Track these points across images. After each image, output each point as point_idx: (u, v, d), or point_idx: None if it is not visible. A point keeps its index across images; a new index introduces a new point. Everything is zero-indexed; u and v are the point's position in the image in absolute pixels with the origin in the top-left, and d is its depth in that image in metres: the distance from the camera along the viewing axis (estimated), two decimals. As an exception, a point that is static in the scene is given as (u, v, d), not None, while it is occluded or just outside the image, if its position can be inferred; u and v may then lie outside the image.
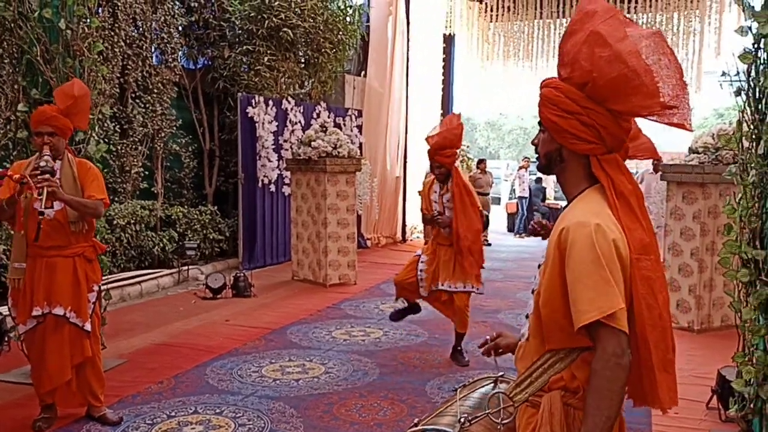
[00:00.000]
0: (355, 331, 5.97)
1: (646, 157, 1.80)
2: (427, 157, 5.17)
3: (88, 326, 3.65)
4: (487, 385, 2.04)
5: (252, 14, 9.33)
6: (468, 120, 44.19)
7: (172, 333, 5.75)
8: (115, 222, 7.39)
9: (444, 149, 4.88)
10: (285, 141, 9.48)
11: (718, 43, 11.15)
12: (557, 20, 12.99)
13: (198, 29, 9.49)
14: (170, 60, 8.72)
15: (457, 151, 5.07)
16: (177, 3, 8.93)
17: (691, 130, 1.66)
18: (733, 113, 3.31)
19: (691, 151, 6.11)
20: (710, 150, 5.92)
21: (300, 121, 9.69)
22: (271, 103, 9.21)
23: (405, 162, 12.44)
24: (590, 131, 1.63)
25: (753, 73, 3.11)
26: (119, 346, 5.27)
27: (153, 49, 8.54)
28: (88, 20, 4.58)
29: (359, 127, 10.96)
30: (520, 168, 15.48)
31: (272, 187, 9.37)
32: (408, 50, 12.08)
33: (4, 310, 4.72)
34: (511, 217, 15.53)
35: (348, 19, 10.53)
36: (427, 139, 5.02)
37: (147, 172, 8.40)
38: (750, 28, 3.08)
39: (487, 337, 2.06)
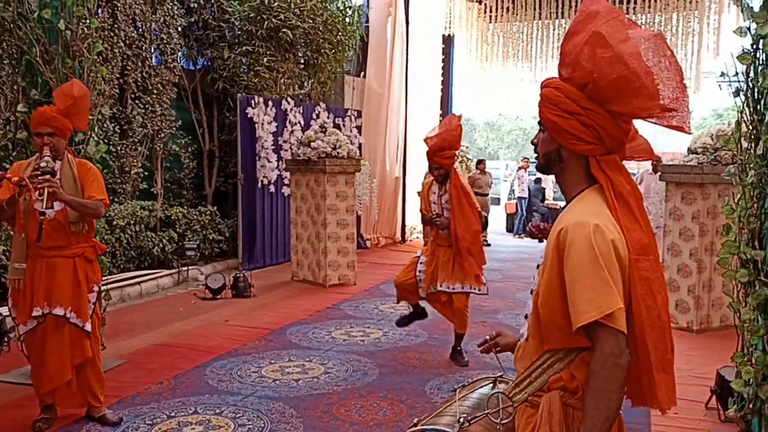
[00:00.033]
0: (354, 331, 5.97)
1: (642, 159, 1.80)
2: (426, 157, 5.18)
3: (88, 326, 3.66)
4: (486, 385, 2.05)
5: (251, 15, 9.34)
6: (467, 120, 44.21)
7: (171, 333, 5.75)
8: (114, 222, 7.40)
9: (443, 150, 4.89)
10: (284, 141, 9.49)
11: (717, 43, 11.16)
12: (556, 21, 13.00)
13: (197, 30, 9.49)
14: (170, 61, 8.73)
15: (456, 152, 5.07)
16: (176, 4, 8.94)
17: (690, 133, 1.67)
18: (732, 114, 3.32)
19: (690, 151, 6.12)
20: (709, 150, 5.93)
21: (299, 122, 9.70)
22: (270, 103, 9.22)
23: (404, 162, 12.45)
24: (590, 132, 1.64)
25: (752, 74, 3.12)
26: (119, 346, 5.27)
27: (152, 50, 8.55)
28: (88, 21, 4.58)
29: (358, 128, 10.96)
30: (519, 168, 15.49)
31: (272, 188, 9.37)
32: (407, 51, 12.09)
33: (4, 310, 4.72)
34: (510, 217, 15.55)
35: (347, 19, 10.53)
36: (425, 141, 5.02)
37: (146, 173, 8.40)
38: (749, 28, 3.09)
39: (487, 336, 2.07)
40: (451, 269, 4.95)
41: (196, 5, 9.34)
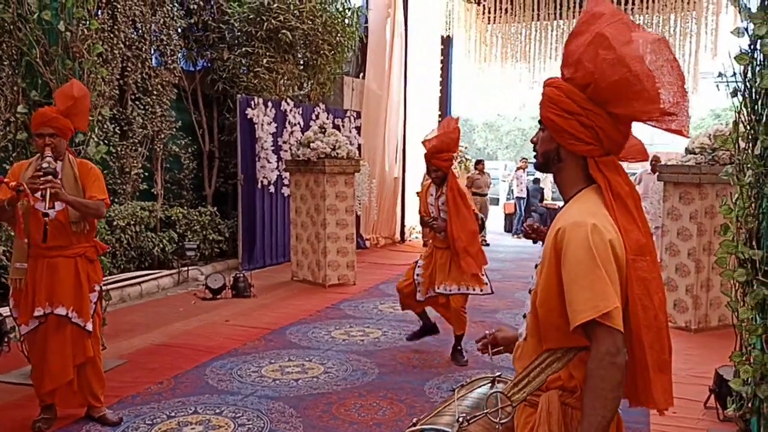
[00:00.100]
0: (354, 331, 5.98)
1: (636, 160, 1.81)
2: (424, 160, 5.19)
3: (90, 326, 3.67)
4: (484, 385, 2.06)
5: (251, 16, 9.35)
6: (466, 121, 44.22)
7: (171, 333, 5.76)
8: (115, 223, 7.40)
9: (441, 153, 4.90)
10: (284, 142, 9.50)
11: (715, 44, 11.18)
12: (554, 22, 13.01)
13: (197, 31, 9.50)
14: (170, 62, 8.74)
15: (454, 155, 5.08)
16: (176, 5, 8.94)
17: (688, 137, 1.68)
18: (730, 114, 3.33)
19: (688, 151, 6.13)
20: (707, 150, 5.94)
21: (299, 123, 9.71)
22: (270, 104, 9.23)
23: (404, 163, 12.46)
24: (589, 133, 1.64)
25: (749, 74, 3.13)
26: (119, 346, 5.28)
27: (152, 51, 8.55)
28: (88, 22, 4.59)
29: (358, 129, 10.97)
30: (518, 169, 15.50)
31: (271, 188, 9.38)
32: (406, 52, 12.10)
33: (4, 311, 4.73)
34: (508, 217, 15.58)
35: (346, 21, 10.54)
36: (424, 143, 5.03)
37: (147, 174, 8.41)
38: (746, 29, 3.11)
39: (486, 332, 2.08)
40: (447, 271, 4.96)
41: (195, 7, 9.34)
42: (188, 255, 8.11)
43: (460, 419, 1.80)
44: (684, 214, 6.01)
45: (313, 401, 4.21)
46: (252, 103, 8.98)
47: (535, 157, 1.81)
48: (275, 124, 9.31)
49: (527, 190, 14.87)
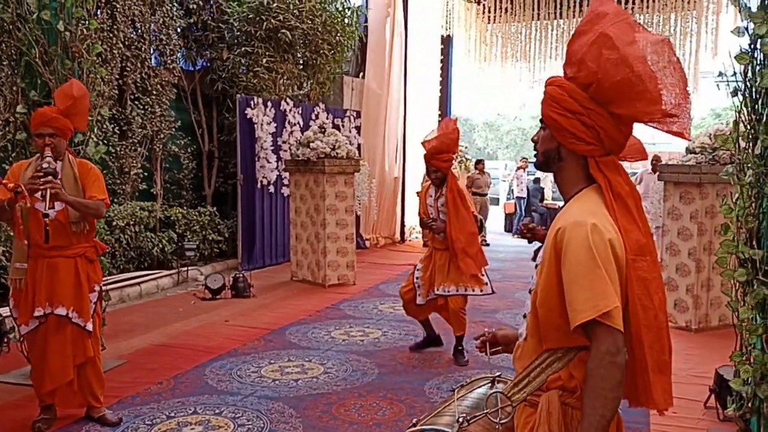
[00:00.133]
0: (353, 331, 5.98)
1: (635, 159, 1.81)
2: (423, 161, 5.18)
3: (90, 326, 3.67)
4: (484, 385, 2.06)
5: (250, 16, 9.34)
6: (466, 121, 44.24)
7: (171, 334, 5.75)
8: (114, 223, 7.40)
9: (440, 154, 4.89)
10: (284, 142, 9.49)
11: (715, 43, 11.18)
12: (554, 21, 13.01)
13: (197, 31, 9.49)
14: (169, 62, 8.73)
15: (453, 155, 5.07)
16: (175, 5, 8.94)
17: (689, 139, 1.68)
18: (730, 113, 3.33)
19: (689, 151, 6.13)
20: (707, 150, 5.94)
21: (299, 123, 9.70)
22: (269, 104, 9.23)
23: (403, 163, 12.45)
24: (590, 132, 1.64)
25: (749, 74, 3.13)
26: (119, 346, 5.28)
27: (152, 51, 8.55)
28: (87, 22, 4.59)
29: (358, 128, 10.97)
30: (518, 168, 15.51)
31: (271, 188, 9.38)
32: (406, 51, 12.09)
33: (5, 311, 4.72)
34: (509, 217, 15.57)
35: (346, 20, 10.54)
36: (423, 144, 5.03)
37: (146, 174, 8.40)
38: (746, 28, 3.10)
39: (486, 330, 2.08)
40: (446, 272, 4.96)
41: (195, 6, 9.34)
42: (188, 255, 8.11)
43: (460, 419, 1.80)
44: (684, 213, 6.00)
45: (312, 401, 4.20)
46: (251, 102, 8.97)
47: (535, 155, 1.81)
48: (275, 124, 9.31)
49: (527, 189, 14.87)
